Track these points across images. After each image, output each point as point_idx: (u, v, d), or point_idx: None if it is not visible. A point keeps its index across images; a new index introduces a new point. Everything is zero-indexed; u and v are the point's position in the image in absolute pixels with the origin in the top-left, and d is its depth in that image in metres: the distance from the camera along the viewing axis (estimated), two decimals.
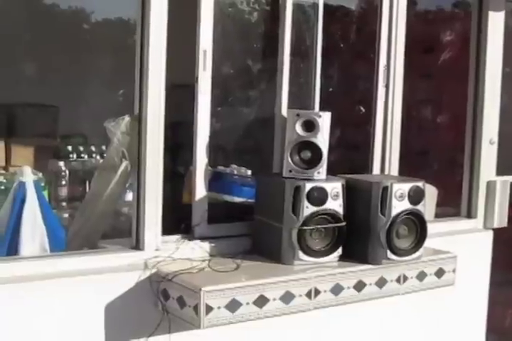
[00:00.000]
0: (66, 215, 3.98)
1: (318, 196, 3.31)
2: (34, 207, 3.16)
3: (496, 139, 4.45)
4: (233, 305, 3.01)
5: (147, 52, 3.17)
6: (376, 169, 4.04)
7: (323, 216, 3.33)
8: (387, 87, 4.00)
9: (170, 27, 3.22)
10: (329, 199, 3.34)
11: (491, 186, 4.44)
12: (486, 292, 4.43)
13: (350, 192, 3.42)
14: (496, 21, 4.38)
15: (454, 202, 4.52)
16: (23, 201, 3.14)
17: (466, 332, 4.35)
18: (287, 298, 3.15)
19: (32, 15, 5.87)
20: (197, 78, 3.35)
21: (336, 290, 3.30)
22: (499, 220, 4.46)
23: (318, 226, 3.34)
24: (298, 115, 3.39)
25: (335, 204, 3.36)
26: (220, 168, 3.84)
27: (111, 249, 3.27)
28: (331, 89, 4.58)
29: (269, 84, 3.99)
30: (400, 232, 3.45)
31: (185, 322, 3.05)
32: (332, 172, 3.47)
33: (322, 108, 3.72)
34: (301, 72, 3.98)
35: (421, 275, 3.57)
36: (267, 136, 3.76)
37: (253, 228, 3.53)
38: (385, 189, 3.41)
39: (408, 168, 4.12)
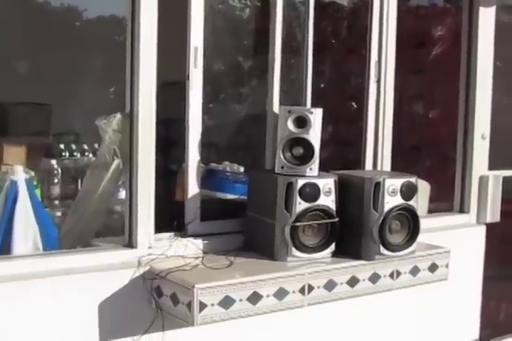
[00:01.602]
0: (59, 214, 3.96)
1: (311, 192, 3.32)
2: (26, 206, 3.15)
3: (487, 134, 4.46)
4: (227, 302, 3.01)
5: (138, 50, 3.17)
6: (368, 165, 4.04)
7: (315, 212, 3.34)
8: (378, 82, 4.01)
9: (160, 24, 3.21)
10: (322, 195, 3.35)
11: (483, 181, 4.45)
12: (480, 287, 4.45)
13: (343, 188, 3.42)
14: (486, 16, 4.39)
15: (447, 197, 4.53)
16: (15, 200, 3.13)
17: (460, 327, 4.36)
18: (281, 294, 3.15)
19: (24, 13, 5.85)
20: (188, 75, 3.35)
21: (330, 286, 3.30)
22: (492, 215, 4.47)
23: (311, 223, 3.34)
24: (290, 111, 3.39)
25: (327, 200, 3.37)
26: (213, 165, 3.84)
27: (104, 247, 3.27)
28: (322, 85, 4.59)
29: (261, 80, 3.99)
30: (393, 228, 3.46)
31: (178, 320, 3.05)
32: (324, 168, 3.47)
33: (314, 104, 3.72)
34: (293, 68, 3.98)
35: (414, 271, 3.58)
36: (259, 132, 3.76)
37: (246, 225, 3.53)
38: (378, 184, 3.42)
39: (400, 164, 4.13)
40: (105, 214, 3.57)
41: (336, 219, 3.38)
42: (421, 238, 3.57)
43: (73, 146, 4.82)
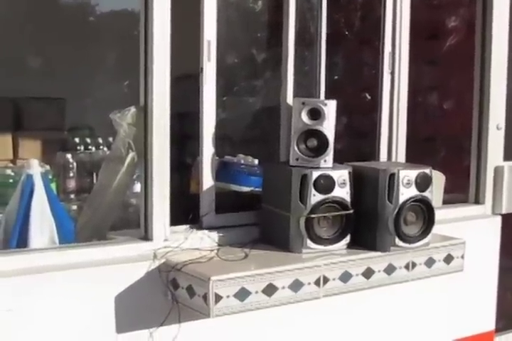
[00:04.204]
0: (74, 207, 3.99)
1: (325, 184, 3.32)
2: (42, 200, 3.17)
3: (502, 124, 4.44)
4: (242, 294, 3.02)
5: (151, 43, 3.17)
6: (383, 156, 4.03)
7: (330, 204, 3.33)
8: (392, 73, 3.99)
9: (174, 17, 3.21)
10: (336, 187, 3.34)
11: (498, 171, 4.43)
12: (496, 278, 4.43)
13: (357, 180, 3.42)
14: (501, 6, 4.36)
15: (462, 189, 4.51)
16: (31, 194, 3.15)
17: (476, 318, 4.35)
18: (296, 286, 3.15)
19: (37, 7, 5.87)
20: (202, 68, 3.35)
21: (345, 277, 3.30)
22: (507, 205, 4.44)
23: (326, 214, 3.34)
24: (303, 103, 3.39)
25: (342, 192, 3.36)
26: (227, 157, 3.84)
27: (120, 240, 3.28)
28: (336, 77, 4.58)
29: (274, 73, 3.99)
30: (408, 219, 3.45)
31: (194, 312, 3.06)
32: (339, 160, 3.47)
33: (327, 96, 3.72)
34: (306, 60, 3.97)
35: (429, 262, 3.57)
36: (273, 124, 3.76)
37: (261, 217, 3.53)
38: (392, 176, 3.41)
39: (415, 155, 4.12)
40: (121, 208, 3.57)
41: (351, 211, 3.37)
42: (436, 229, 3.56)
43: (88, 140, 4.85)
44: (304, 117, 3.38)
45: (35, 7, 5.82)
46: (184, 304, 3.11)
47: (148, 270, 3.15)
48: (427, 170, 3.52)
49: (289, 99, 3.66)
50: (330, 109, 3.37)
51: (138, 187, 3.44)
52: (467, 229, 4.06)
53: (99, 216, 3.44)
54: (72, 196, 4.30)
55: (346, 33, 4.79)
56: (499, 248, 4.41)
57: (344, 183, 3.37)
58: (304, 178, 3.29)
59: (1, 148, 4.95)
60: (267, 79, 4.65)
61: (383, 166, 3.58)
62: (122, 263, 3.11)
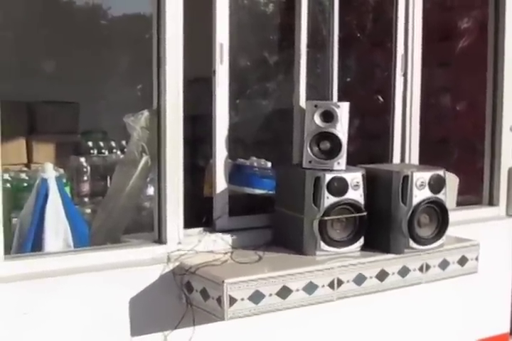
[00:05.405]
0: (88, 211, 4.00)
1: (339, 186, 3.31)
2: (57, 203, 3.19)
3: None
4: (256, 297, 3.02)
5: (164, 47, 3.18)
6: (396, 158, 4.03)
7: (344, 206, 3.33)
8: (405, 75, 3.99)
9: (186, 20, 3.22)
10: (350, 189, 3.34)
11: None
12: (510, 279, 4.42)
13: (371, 182, 3.42)
14: None
15: (476, 190, 4.50)
16: (45, 197, 3.17)
17: (491, 320, 4.33)
18: (310, 288, 3.15)
19: (50, 12, 5.90)
20: (214, 71, 3.36)
21: (359, 280, 3.30)
22: None
23: (340, 217, 3.34)
24: (316, 106, 3.39)
25: (355, 194, 3.36)
26: (240, 160, 3.85)
27: (134, 243, 3.29)
28: (348, 79, 4.58)
29: (287, 75, 3.99)
30: (422, 221, 3.45)
31: (209, 314, 3.07)
32: (352, 162, 3.47)
33: (340, 98, 3.72)
34: (319, 62, 3.98)
35: (444, 264, 3.56)
36: (286, 127, 3.76)
37: (274, 219, 3.53)
38: (406, 178, 3.41)
39: (428, 157, 4.11)
40: (134, 211, 3.59)
41: (365, 213, 3.37)
42: (450, 231, 3.55)
43: (101, 144, 4.86)
44: (317, 120, 3.38)
45: (48, 12, 5.85)
46: (198, 307, 3.11)
47: (162, 273, 3.16)
48: (441, 172, 3.51)
49: (302, 101, 3.66)
50: (343, 111, 3.38)
51: (151, 190, 3.45)
52: (481, 230, 4.04)
53: (113, 219, 3.46)
54: (86, 199, 4.32)
55: (358, 35, 4.79)
56: None
57: (357, 185, 3.37)
58: (317, 181, 3.29)
59: (16, 152, 4.97)
60: (280, 82, 4.66)
61: (396, 168, 3.58)
62: (136, 267, 3.12)
